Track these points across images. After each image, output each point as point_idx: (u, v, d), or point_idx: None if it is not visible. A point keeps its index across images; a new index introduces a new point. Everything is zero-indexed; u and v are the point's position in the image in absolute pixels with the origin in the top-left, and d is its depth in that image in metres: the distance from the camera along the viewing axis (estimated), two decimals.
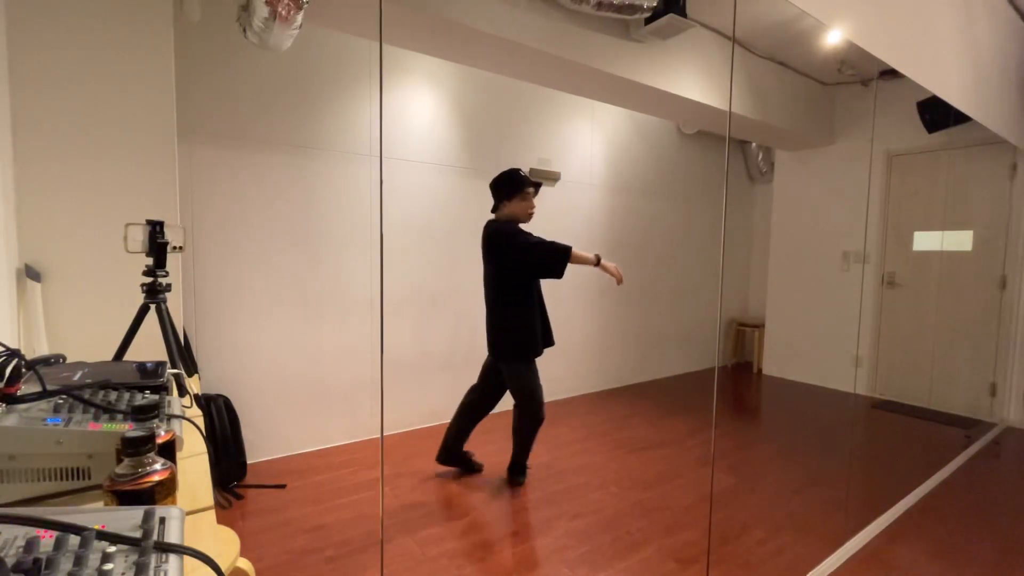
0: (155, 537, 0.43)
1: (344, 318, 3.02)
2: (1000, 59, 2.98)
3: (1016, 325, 3.55)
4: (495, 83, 3.50)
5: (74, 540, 0.40)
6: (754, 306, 5.60)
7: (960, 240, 3.67)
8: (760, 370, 5.04)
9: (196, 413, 1.11)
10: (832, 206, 4.36)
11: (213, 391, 2.60)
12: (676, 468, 2.79)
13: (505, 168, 2.32)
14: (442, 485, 2.54)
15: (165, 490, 0.56)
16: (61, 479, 0.66)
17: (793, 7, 1.60)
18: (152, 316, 1.44)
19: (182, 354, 1.49)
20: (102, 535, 0.41)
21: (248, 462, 2.69)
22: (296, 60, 2.75)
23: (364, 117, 3.00)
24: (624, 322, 4.49)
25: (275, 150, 2.74)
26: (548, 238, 2.34)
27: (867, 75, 3.83)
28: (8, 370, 0.73)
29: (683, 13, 2.56)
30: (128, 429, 0.68)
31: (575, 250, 2.27)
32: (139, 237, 1.39)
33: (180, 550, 0.42)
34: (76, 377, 0.88)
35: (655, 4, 2.51)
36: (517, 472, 2.60)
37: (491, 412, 2.61)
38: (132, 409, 0.69)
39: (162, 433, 0.67)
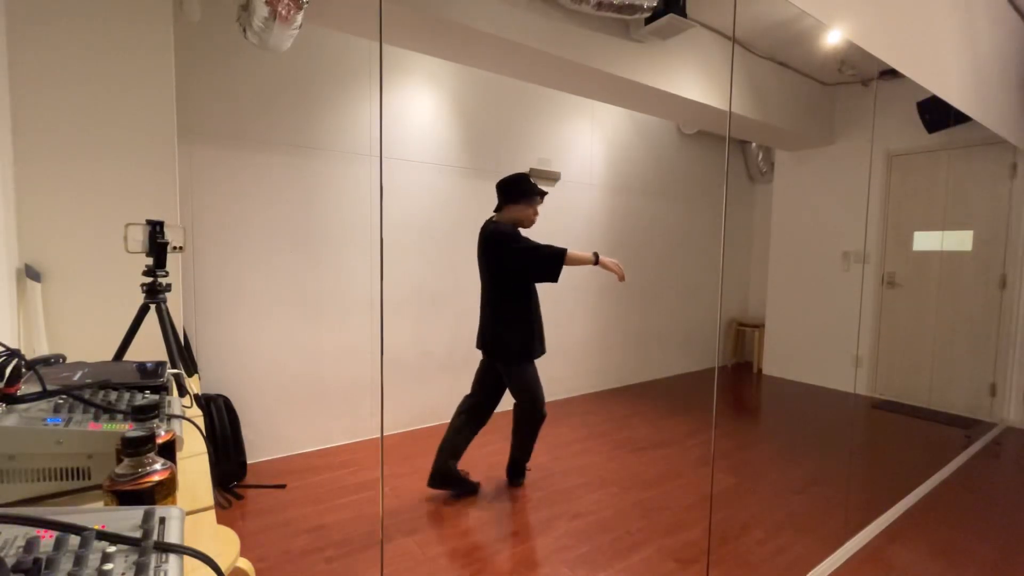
0: (155, 537, 0.43)
1: (344, 318, 3.02)
2: (1000, 59, 2.98)
3: (1016, 325, 3.55)
4: (495, 83, 3.50)
5: (74, 540, 0.40)
6: (754, 306, 5.60)
7: (960, 240, 3.67)
8: (760, 370, 5.04)
9: (196, 413, 1.11)
10: (832, 206, 4.36)
11: (213, 391, 2.60)
12: (676, 468, 2.79)
13: (505, 167, 2.32)
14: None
15: (165, 490, 0.56)
16: (61, 479, 0.66)
17: (793, 7, 1.60)
18: (152, 316, 1.44)
19: (182, 354, 1.49)
20: (102, 535, 0.41)
21: (248, 462, 2.69)
22: (296, 60, 2.75)
23: (364, 117, 3.00)
24: (624, 322, 4.49)
25: (275, 150, 2.74)
26: (548, 238, 2.34)
27: (867, 75, 3.83)
28: (8, 370, 0.73)
29: (683, 13, 2.56)
30: (128, 429, 0.68)
31: (571, 251, 2.23)
32: (139, 237, 1.39)
33: (180, 550, 0.42)
34: (76, 377, 0.88)
35: (655, 4, 2.51)
36: (517, 473, 2.59)
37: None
38: (132, 409, 0.69)
39: (162, 433, 0.67)
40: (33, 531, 0.41)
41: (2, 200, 1.51)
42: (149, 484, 0.54)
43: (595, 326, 4.27)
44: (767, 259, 5.01)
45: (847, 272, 4.26)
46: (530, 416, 2.44)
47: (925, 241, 3.80)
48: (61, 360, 0.98)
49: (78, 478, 0.66)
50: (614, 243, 4.34)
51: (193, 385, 1.42)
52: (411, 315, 3.30)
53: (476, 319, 2.46)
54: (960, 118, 2.84)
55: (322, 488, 2.49)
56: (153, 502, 0.54)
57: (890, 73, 2.88)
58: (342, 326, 3.02)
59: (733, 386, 4.67)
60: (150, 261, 1.42)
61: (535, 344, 2.41)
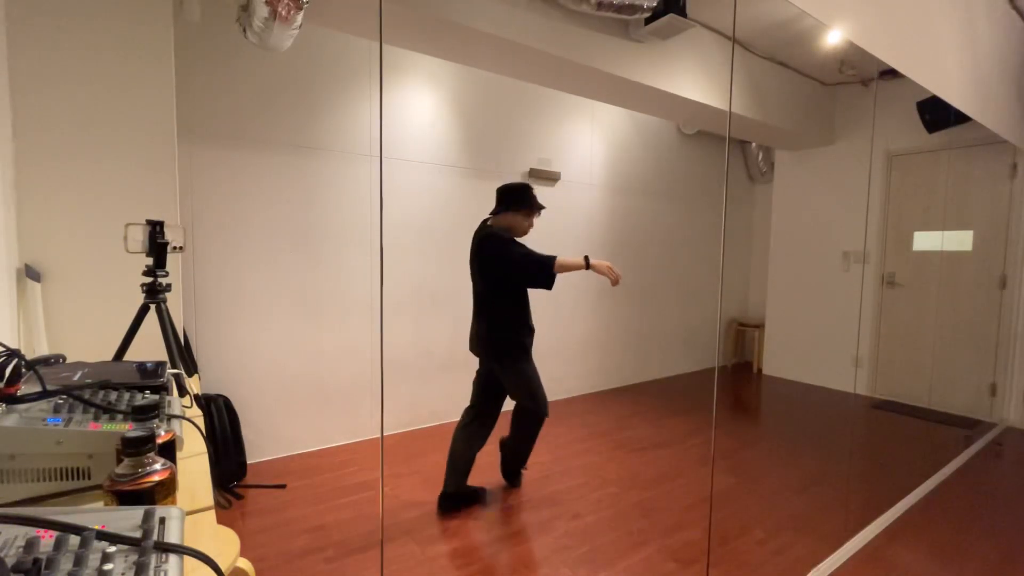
0: (155, 537, 0.43)
1: (344, 318, 3.02)
2: (1000, 59, 2.98)
3: (1016, 325, 3.55)
4: (495, 83, 3.50)
5: (74, 540, 0.40)
6: (754, 306, 5.59)
7: (960, 240, 3.67)
8: (760, 370, 5.04)
9: (196, 413, 1.11)
10: (832, 206, 4.36)
11: (213, 391, 2.60)
12: (676, 468, 2.79)
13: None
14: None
15: (165, 490, 0.56)
16: (61, 479, 0.66)
17: (793, 7, 1.60)
18: (152, 316, 1.44)
19: (182, 354, 1.49)
20: (102, 535, 0.41)
21: (248, 462, 2.69)
22: (296, 60, 2.75)
23: (364, 117, 3.00)
24: (624, 322, 4.49)
25: (275, 150, 2.74)
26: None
27: (867, 75, 3.83)
28: (8, 370, 0.73)
29: (683, 13, 2.56)
30: (128, 429, 0.68)
31: (560, 258, 2.16)
32: (139, 237, 1.39)
33: (180, 550, 0.42)
34: (76, 377, 0.88)
35: (655, 4, 2.51)
36: (514, 475, 2.57)
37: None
38: (132, 409, 0.69)
39: (162, 433, 0.67)
40: (33, 531, 0.41)
41: (2, 200, 1.51)
42: (149, 484, 0.54)
43: (595, 326, 4.26)
44: (767, 259, 5.01)
45: (847, 272, 4.26)
46: (532, 415, 2.36)
47: (925, 241, 3.80)
48: (61, 360, 0.98)
49: (78, 478, 0.66)
50: (614, 243, 4.34)
51: (193, 385, 1.42)
52: (411, 315, 3.30)
53: None
54: (960, 118, 2.84)
55: (322, 488, 2.49)
56: (153, 502, 0.54)
57: (890, 73, 2.87)
58: (342, 326, 3.02)
59: (733, 386, 4.67)
60: (150, 261, 1.42)
61: (530, 339, 2.37)
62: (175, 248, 1.45)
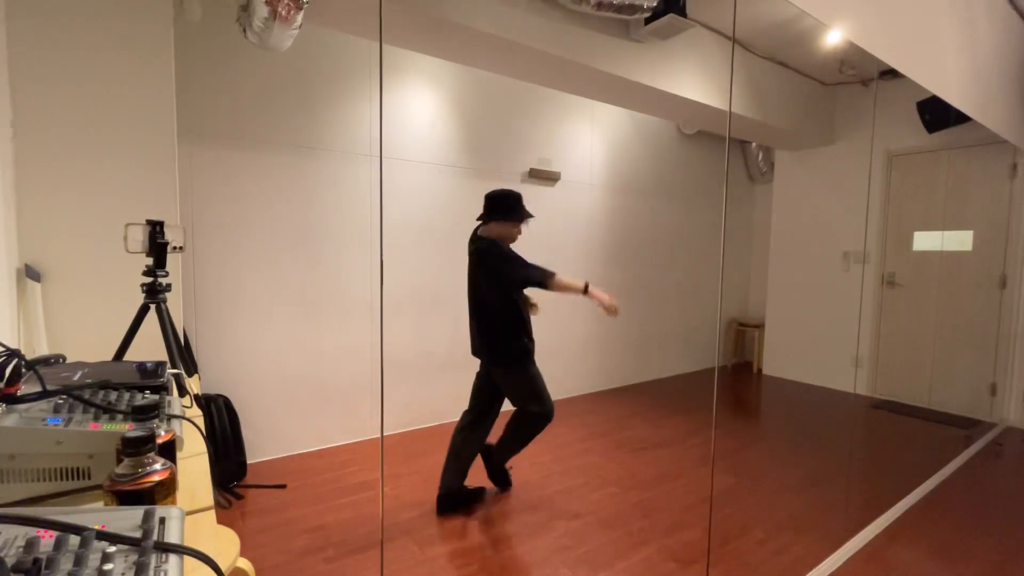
0: (155, 537, 0.43)
1: (344, 318, 3.02)
2: (1000, 59, 2.98)
3: (1016, 325, 3.55)
4: (495, 83, 3.50)
5: (74, 540, 0.40)
6: (754, 306, 5.59)
7: (960, 240, 3.67)
8: (760, 370, 5.04)
9: (196, 413, 1.11)
10: (832, 206, 4.36)
11: (213, 391, 2.60)
12: (676, 468, 2.79)
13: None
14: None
15: (165, 490, 0.56)
16: (61, 479, 0.66)
17: (793, 7, 1.60)
18: (152, 316, 1.44)
19: (182, 354, 1.49)
20: (102, 535, 0.41)
21: (248, 462, 2.69)
22: (296, 60, 2.75)
23: (364, 117, 3.00)
24: (624, 322, 4.49)
25: (275, 150, 2.74)
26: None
27: (867, 75, 3.83)
28: (8, 370, 0.73)
29: (683, 13, 2.56)
30: (128, 429, 0.68)
31: (560, 277, 2.14)
32: (139, 237, 1.39)
33: (180, 550, 0.42)
34: (76, 377, 0.88)
35: (655, 4, 2.51)
36: (503, 476, 2.51)
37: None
38: (132, 409, 0.69)
39: (162, 433, 0.67)
40: (33, 531, 0.41)
41: (2, 200, 1.51)
42: (149, 484, 0.54)
43: (595, 326, 4.26)
44: (767, 259, 5.01)
45: (847, 272, 4.26)
46: (537, 418, 2.30)
47: (925, 241, 3.80)
48: (61, 360, 0.98)
49: (78, 478, 0.66)
50: (614, 243, 4.34)
51: (193, 385, 1.42)
52: (411, 315, 3.30)
53: None
54: (960, 118, 2.84)
55: (322, 488, 2.49)
56: (153, 502, 0.54)
57: (890, 73, 2.88)
58: (342, 326, 3.02)
59: (733, 386, 4.67)
60: (150, 261, 1.42)
61: (532, 345, 2.37)
62: (175, 248, 1.45)
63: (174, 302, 1.70)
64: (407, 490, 2.48)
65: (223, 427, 2.50)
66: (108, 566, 0.38)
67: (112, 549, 0.40)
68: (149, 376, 0.95)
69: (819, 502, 2.41)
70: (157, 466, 0.56)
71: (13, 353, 0.75)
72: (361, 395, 3.10)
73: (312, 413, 2.95)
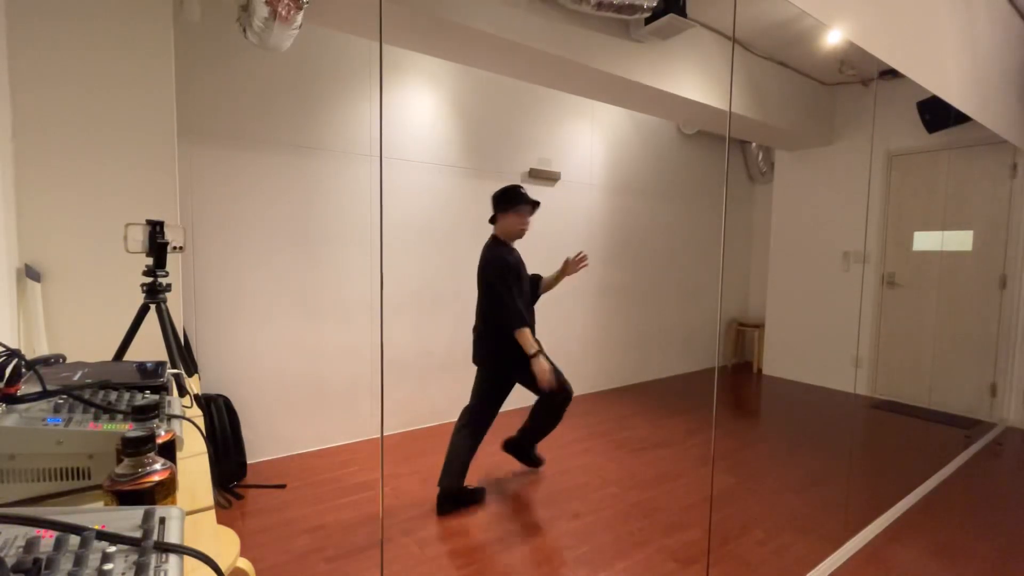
0: (155, 537, 0.43)
1: (344, 318, 3.02)
2: (1000, 59, 2.98)
3: (1016, 325, 3.55)
4: (495, 83, 3.50)
5: (74, 540, 0.40)
6: (754, 306, 5.60)
7: (960, 240, 3.67)
8: (760, 370, 5.04)
9: (196, 413, 1.11)
10: (832, 206, 4.36)
11: (213, 391, 2.60)
12: (676, 468, 2.79)
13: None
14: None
15: (165, 490, 0.56)
16: (61, 479, 0.66)
17: (793, 7, 1.60)
18: (152, 316, 1.44)
19: (182, 354, 1.49)
20: (102, 535, 0.41)
21: (248, 462, 2.69)
22: (296, 60, 2.75)
23: (364, 117, 3.00)
24: (624, 322, 4.49)
25: (275, 150, 2.74)
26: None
27: (867, 75, 3.83)
28: (8, 370, 0.73)
29: (683, 13, 2.56)
30: (128, 429, 0.68)
31: (523, 333, 2.24)
32: (139, 237, 1.39)
33: (180, 550, 0.42)
34: (76, 377, 0.88)
35: (655, 4, 2.51)
36: (534, 457, 2.70)
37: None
38: (132, 409, 0.69)
39: (162, 433, 0.67)
40: (33, 531, 0.41)
41: (2, 200, 1.51)
42: (149, 484, 0.54)
43: (595, 326, 4.26)
44: (767, 259, 5.01)
45: (847, 272, 4.26)
46: (563, 398, 2.45)
47: (925, 241, 3.80)
48: (61, 360, 0.98)
49: (78, 478, 0.66)
50: (614, 243, 4.34)
51: (193, 385, 1.42)
52: (411, 315, 3.30)
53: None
54: (960, 118, 2.84)
55: (322, 488, 2.49)
56: (153, 502, 0.54)
57: (890, 73, 2.88)
58: (342, 326, 3.02)
59: (733, 386, 4.67)
60: (150, 261, 1.42)
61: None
62: (175, 248, 1.45)
63: (174, 302, 1.70)
64: (407, 490, 2.48)
65: (223, 427, 2.50)
66: (108, 566, 0.38)
67: (112, 549, 0.40)
68: (149, 376, 0.95)
69: (819, 502, 2.41)
70: (157, 466, 0.56)
71: (13, 353, 0.75)
72: (361, 395, 3.11)
73: (312, 413, 2.95)
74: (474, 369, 2.51)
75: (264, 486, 2.48)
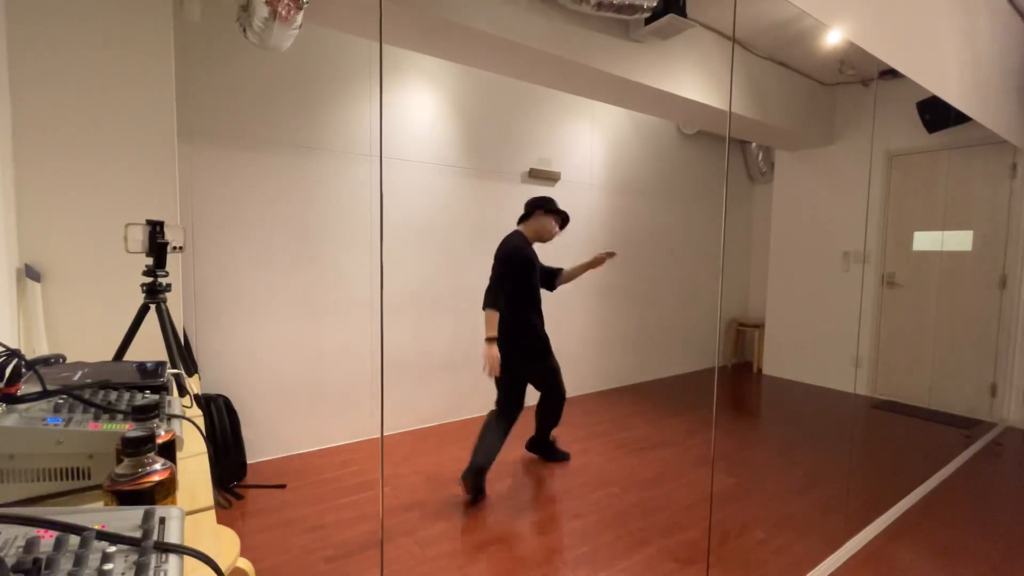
0: (155, 537, 0.43)
1: (344, 318, 3.02)
2: (1000, 59, 2.99)
3: (1016, 325, 3.55)
4: (495, 83, 3.50)
5: (74, 540, 0.40)
6: (754, 306, 5.59)
7: (960, 240, 3.67)
8: (760, 370, 5.04)
9: (196, 413, 1.11)
10: (832, 206, 4.36)
11: (213, 391, 2.60)
12: (676, 468, 2.79)
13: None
14: (442, 485, 2.54)
15: (165, 490, 0.56)
16: (61, 479, 0.66)
17: (793, 7, 1.60)
18: (152, 316, 1.43)
19: (182, 354, 1.49)
20: (102, 535, 0.41)
21: (248, 462, 2.69)
22: (296, 60, 2.75)
23: (364, 117, 3.00)
24: (624, 322, 4.49)
25: (275, 150, 2.74)
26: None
27: (867, 75, 3.83)
28: (8, 370, 0.73)
29: (683, 13, 2.56)
30: (128, 429, 0.68)
31: (490, 313, 2.35)
32: (139, 237, 1.39)
33: (180, 550, 0.42)
34: (76, 377, 0.88)
35: (655, 4, 2.51)
36: (554, 447, 2.84)
37: (480, 413, 2.59)
38: (132, 409, 0.69)
39: (162, 433, 0.67)
40: (33, 531, 0.41)
41: (2, 200, 1.51)
42: (149, 484, 0.54)
43: (595, 326, 4.26)
44: (767, 259, 5.01)
45: (847, 272, 4.26)
46: (563, 396, 2.72)
47: (925, 241, 3.80)
48: (61, 360, 0.98)
49: (78, 478, 0.66)
50: (614, 243, 4.34)
51: (193, 385, 1.42)
52: (411, 315, 3.30)
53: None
54: (960, 118, 2.84)
55: (322, 488, 2.49)
56: (153, 502, 0.54)
57: (890, 73, 2.88)
58: (342, 326, 3.02)
59: (733, 386, 4.67)
60: (150, 261, 1.42)
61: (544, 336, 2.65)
62: (175, 248, 1.45)
63: (174, 302, 1.70)
64: (407, 490, 2.48)
65: (223, 427, 2.50)
66: (108, 566, 0.38)
67: (112, 549, 0.40)
68: (149, 376, 0.95)
69: (819, 502, 2.41)
70: (157, 466, 0.56)
71: (13, 353, 0.75)
72: (361, 395, 3.11)
73: (312, 413, 2.95)
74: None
75: (264, 486, 2.48)
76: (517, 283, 2.45)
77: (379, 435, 3.23)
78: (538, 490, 2.51)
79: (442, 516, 2.25)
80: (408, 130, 3.20)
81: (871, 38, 1.94)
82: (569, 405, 3.87)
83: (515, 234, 2.55)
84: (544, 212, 2.57)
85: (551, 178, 3.84)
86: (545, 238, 2.60)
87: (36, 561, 0.37)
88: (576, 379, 4.16)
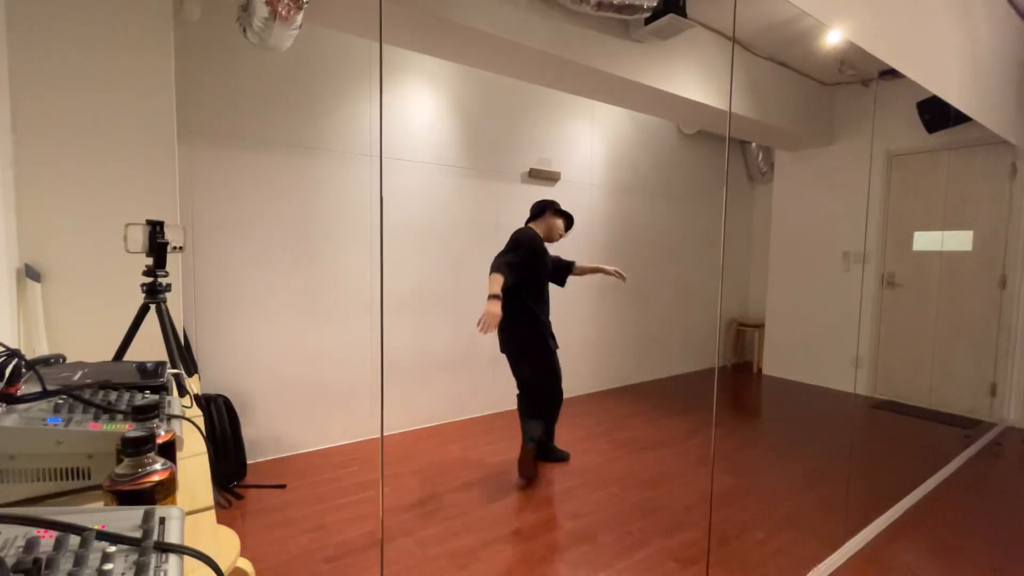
0: (155, 537, 0.43)
1: (344, 318, 3.02)
2: (1000, 59, 2.99)
3: (1016, 325, 3.55)
4: (495, 83, 3.50)
5: (74, 540, 0.40)
6: (754, 306, 5.59)
7: (960, 240, 3.67)
8: (760, 370, 5.04)
9: (196, 413, 1.11)
10: (832, 206, 4.36)
11: (213, 391, 2.60)
12: (676, 468, 2.79)
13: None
14: (442, 485, 2.54)
15: (165, 490, 0.56)
16: (61, 479, 0.66)
17: (793, 7, 1.60)
18: (152, 316, 1.43)
19: (182, 354, 1.49)
20: (102, 535, 0.41)
21: (248, 462, 2.69)
22: (296, 60, 2.75)
23: (364, 117, 3.00)
24: (624, 322, 4.49)
25: (275, 150, 2.74)
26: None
27: (867, 75, 3.83)
28: (8, 370, 0.73)
29: (683, 13, 2.56)
30: (128, 429, 0.68)
31: (493, 277, 2.37)
32: (139, 237, 1.39)
33: (180, 550, 0.42)
34: (76, 377, 0.88)
35: (655, 4, 2.51)
36: (557, 452, 2.86)
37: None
38: (132, 409, 0.69)
39: (162, 433, 0.67)
40: (33, 531, 0.41)
41: (2, 200, 1.51)
42: (149, 484, 0.54)
43: (595, 326, 4.26)
44: (767, 259, 5.01)
45: (847, 272, 4.26)
46: (560, 397, 2.80)
47: (925, 241, 3.80)
48: (61, 360, 0.98)
49: (78, 478, 0.66)
50: (614, 243, 4.34)
51: (193, 385, 1.42)
52: (411, 315, 3.30)
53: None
54: (960, 118, 2.84)
55: (322, 488, 2.49)
56: (153, 502, 0.54)
57: (890, 73, 2.88)
58: (342, 326, 3.02)
59: (733, 386, 4.67)
60: (150, 261, 1.42)
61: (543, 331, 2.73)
62: (175, 248, 1.45)
63: (174, 302, 1.70)
64: (407, 490, 2.48)
65: (223, 427, 2.50)
66: (108, 566, 0.38)
67: (112, 549, 0.40)
68: (149, 376, 0.95)
69: (819, 502, 2.41)
70: (157, 466, 0.56)
71: (13, 353, 0.75)
72: (361, 395, 3.10)
73: (312, 413, 2.95)
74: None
75: (264, 486, 2.48)
76: (525, 270, 2.51)
77: (379, 435, 3.23)
78: (538, 490, 2.51)
79: (442, 516, 2.25)
80: (408, 130, 3.20)
81: (871, 38, 1.94)
82: (569, 405, 3.87)
83: (529, 228, 2.67)
84: (553, 213, 2.69)
85: (551, 178, 3.84)
86: (553, 238, 2.71)
87: (36, 561, 0.37)
88: (576, 379, 4.16)
